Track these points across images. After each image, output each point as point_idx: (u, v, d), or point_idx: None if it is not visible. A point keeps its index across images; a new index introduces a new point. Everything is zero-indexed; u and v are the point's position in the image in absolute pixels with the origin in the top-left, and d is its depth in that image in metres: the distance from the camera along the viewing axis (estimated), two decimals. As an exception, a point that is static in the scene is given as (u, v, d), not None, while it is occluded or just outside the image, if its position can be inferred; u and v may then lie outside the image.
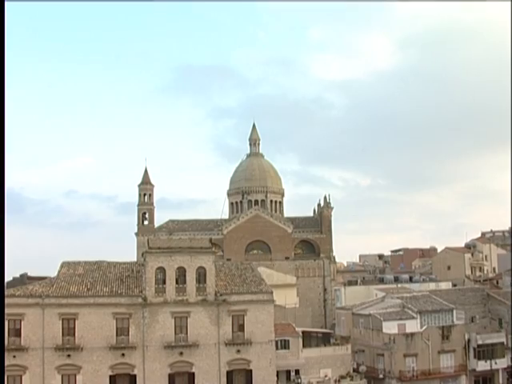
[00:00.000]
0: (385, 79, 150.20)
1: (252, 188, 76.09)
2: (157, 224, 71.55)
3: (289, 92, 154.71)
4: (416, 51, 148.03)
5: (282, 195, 78.37)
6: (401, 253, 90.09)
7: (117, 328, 32.50)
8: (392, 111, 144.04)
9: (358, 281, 58.98)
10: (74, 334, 31.68)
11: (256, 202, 75.16)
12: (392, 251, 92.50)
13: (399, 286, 52.73)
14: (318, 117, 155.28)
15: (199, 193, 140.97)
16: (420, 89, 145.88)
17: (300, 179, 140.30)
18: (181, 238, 45.83)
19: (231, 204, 77.76)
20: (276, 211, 76.00)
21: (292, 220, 74.23)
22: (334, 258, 71.34)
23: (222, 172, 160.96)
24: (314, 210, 77.13)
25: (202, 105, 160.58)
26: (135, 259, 56.30)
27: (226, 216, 76.22)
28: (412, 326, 39.76)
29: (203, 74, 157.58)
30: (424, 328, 39.37)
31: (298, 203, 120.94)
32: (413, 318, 40.26)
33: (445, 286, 53.34)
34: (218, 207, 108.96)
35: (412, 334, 39.16)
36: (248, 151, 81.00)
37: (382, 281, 58.17)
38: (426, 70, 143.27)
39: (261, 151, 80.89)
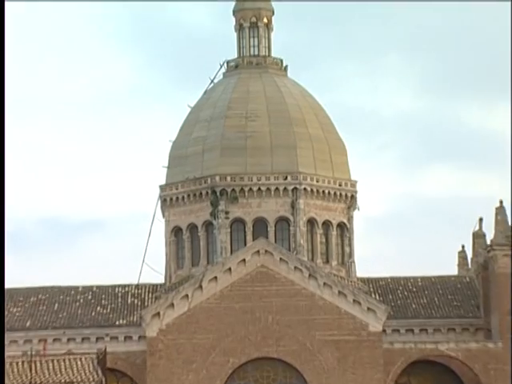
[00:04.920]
0: None
1: (247, 178, 68.63)
2: None
3: None
4: None
5: (350, 202, 70.96)
6: None
7: None
8: None
9: None
10: None
11: (259, 223, 68.33)
12: None
13: None
14: None
15: (75, 196, 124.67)
16: None
17: (421, 151, 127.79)
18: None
19: (172, 233, 70.16)
20: (328, 259, 69.52)
21: (386, 289, 68.13)
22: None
23: (154, 124, 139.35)
24: (465, 257, 71.05)
25: None
26: None
27: (158, 273, 70.14)
28: None
29: None
30: None
31: (404, 229, 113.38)
32: None
33: None
34: (136, 242, 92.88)
35: None
36: (234, 52, 74.62)
37: None
38: None
39: (274, 53, 74.52)
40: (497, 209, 63.97)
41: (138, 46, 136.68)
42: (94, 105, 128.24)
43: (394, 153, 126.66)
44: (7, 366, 47.42)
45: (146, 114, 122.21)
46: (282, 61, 73.73)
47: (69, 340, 61.94)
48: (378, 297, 65.45)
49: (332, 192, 69.14)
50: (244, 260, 61.90)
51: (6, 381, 43.66)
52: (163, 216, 70.68)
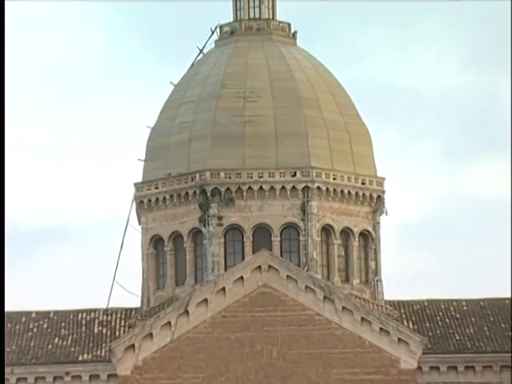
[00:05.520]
0: None
1: (245, 174, 67.67)
2: None
3: None
4: None
5: (376, 205, 69.47)
6: None
7: None
8: None
9: None
10: None
11: (260, 232, 67.58)
12: None
13: None
14: None
15: (30, 198, 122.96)
16: None
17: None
18: None
19: (151, 244, 69.19)
20: (348, 276, 68.49)
21: (422, 315, 66.60)
22: None
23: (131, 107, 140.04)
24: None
25: None
26: None
27: (133, 295, 69.09)
28: None
29: None
30: None
31: (445, 239, 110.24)
32: None
33: None
34: (105, 255, 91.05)
35: None
36: (229, 15, 73.87)
37: None
38: None
39: (280, 16, 74.23)
40: None
41: (109, 7, 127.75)
42: (53, 82, 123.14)
43: (432, 142, 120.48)
44: None
45: (119, 94, 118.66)
46: (289, 25, 71.62)
47: (19, 380, 59.38)
48: (411, 325, 62.80)
49: (353, 192, 66.80)
50: (242, 278, 59.34)
51: None
52: (139, 222, 68.43)
